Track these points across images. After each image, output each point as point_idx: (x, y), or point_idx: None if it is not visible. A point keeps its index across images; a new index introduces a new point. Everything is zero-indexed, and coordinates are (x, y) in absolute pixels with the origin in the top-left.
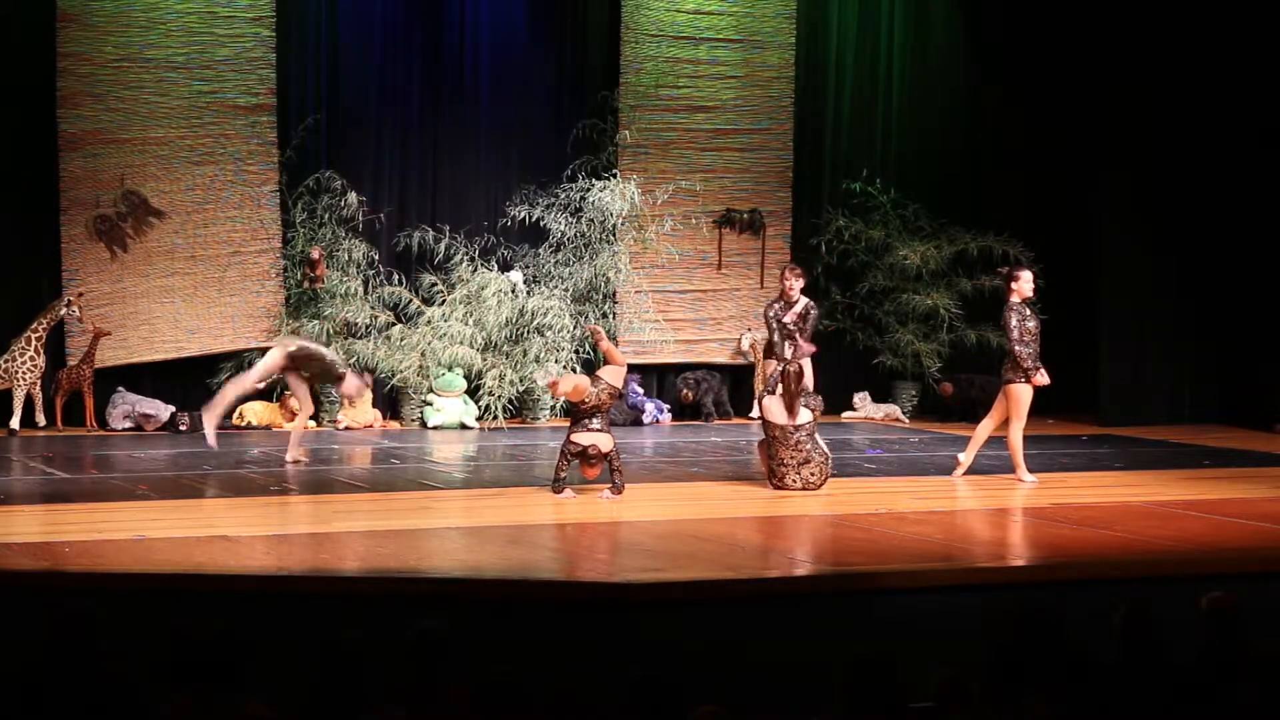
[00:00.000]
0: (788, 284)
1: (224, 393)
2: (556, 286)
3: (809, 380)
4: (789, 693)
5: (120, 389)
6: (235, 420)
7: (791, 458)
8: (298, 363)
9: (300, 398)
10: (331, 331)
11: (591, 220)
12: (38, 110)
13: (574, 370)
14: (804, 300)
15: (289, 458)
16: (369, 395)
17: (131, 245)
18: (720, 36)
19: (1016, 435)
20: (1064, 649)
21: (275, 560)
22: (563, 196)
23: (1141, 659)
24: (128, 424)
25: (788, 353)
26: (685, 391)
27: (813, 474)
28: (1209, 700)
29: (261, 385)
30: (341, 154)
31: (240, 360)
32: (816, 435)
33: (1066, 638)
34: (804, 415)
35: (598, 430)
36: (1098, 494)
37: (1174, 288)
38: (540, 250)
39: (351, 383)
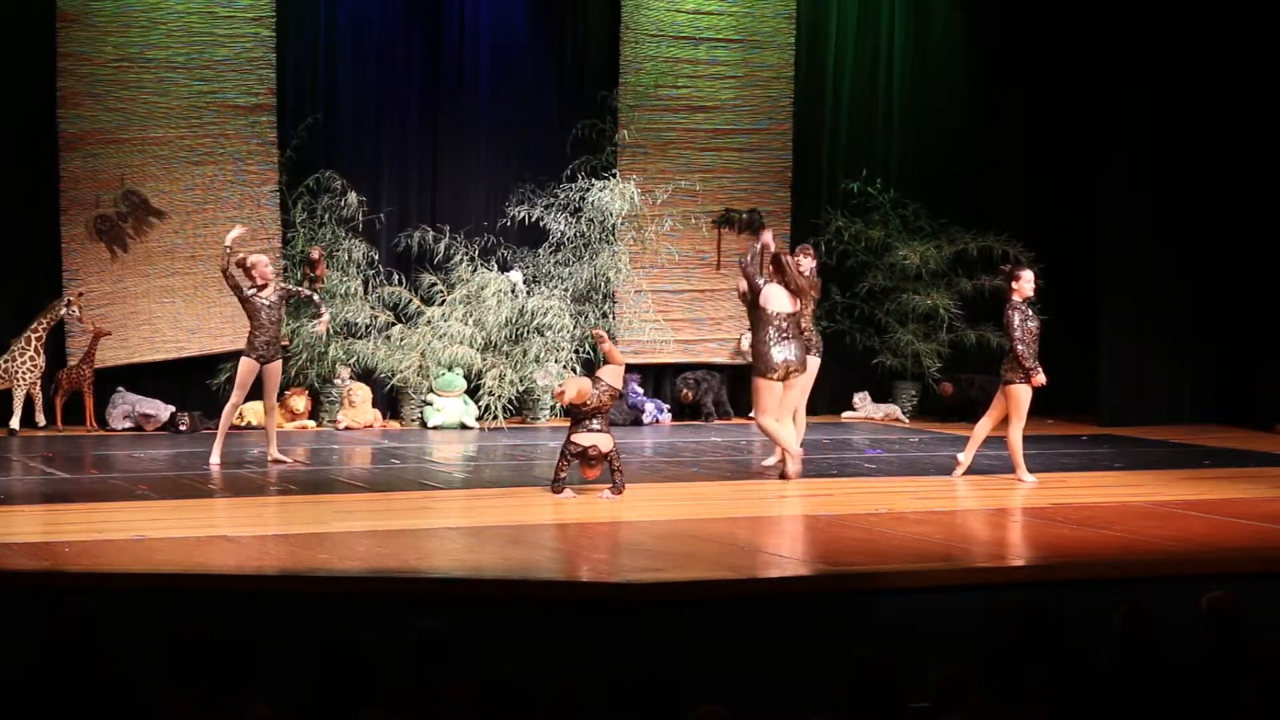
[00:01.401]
0: (798, 260)
1: (222, 425)
2: (556, 286)
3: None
4: (789, 693)
5: (120, 389)
6: (235, 420)
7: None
8: (261, 352)
9: (267, 391)
10: (331, 331)
11: (591, 220)
12: (38, 110)
13: (574, 370)
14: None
15: (271, 456)
16: (369, 395)
17: (131, 245)
18: (720, 36)
19: (1016, 435)
20: (1064, 649)
21: (275, 560)
22: (562, 196)
23: (1141, 659)
24: (128, 424)
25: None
26: (685, 391)
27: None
28: (1209, 700)
29: (240, 399)
30: (341, 154)
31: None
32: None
33: (1066, 638)
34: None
35: (598, 431)
36: (1098, 494)
37: (1174, 288)
38: (540, 250)
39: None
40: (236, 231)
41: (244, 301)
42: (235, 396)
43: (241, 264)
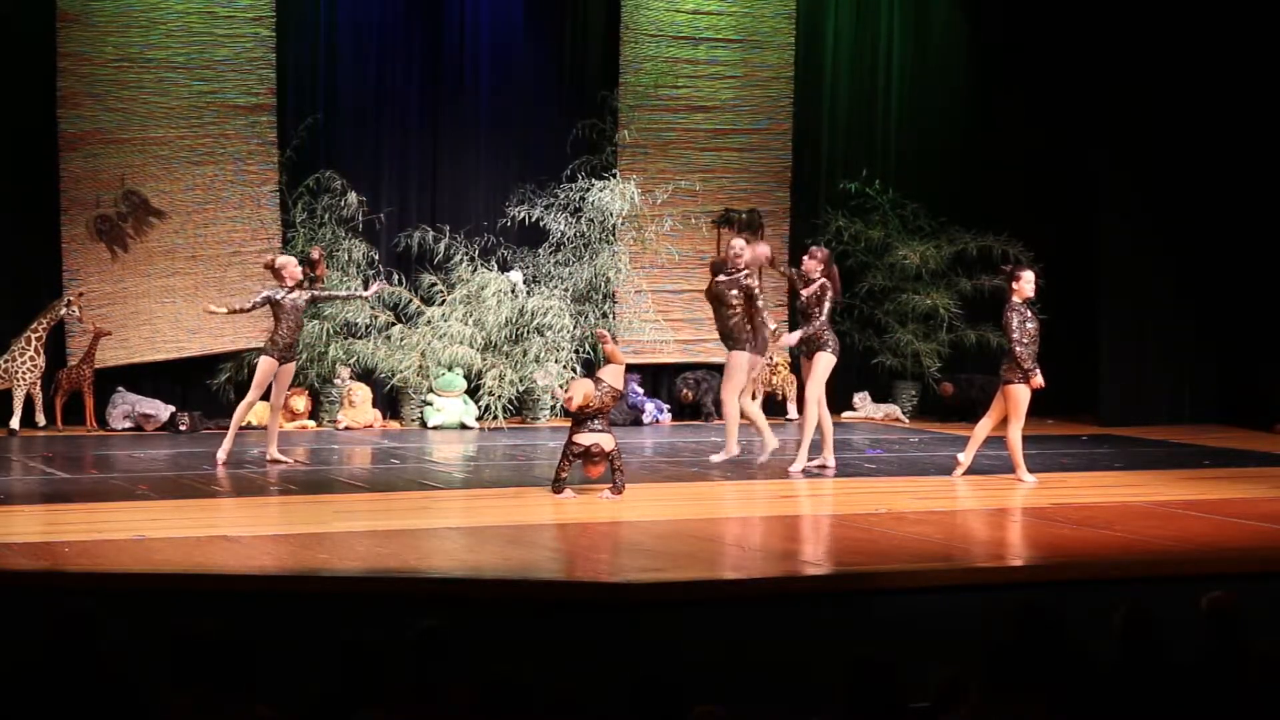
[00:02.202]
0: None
1: (234, 422)
2: (556, 286)
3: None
4: (789, 693)
5: (120, 389)
6: None
7: None
8: (282, 352)
9: (277, 389)
10: (331, 331)
11: (591, 220)
12: (38, 110)
13: (574, 370)
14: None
15: (270, 456)
16: (369, 395)
17: (132, 245)
18: (719, 36)
19: (1015, 435)
20: (1064, 649)
21: (275, 560)
22: (562, 196)
23: (1141, 659)
24: (128, 424)
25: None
26: (685, 391)
27: None
28: (1209, 700)
29: (255, 397)
30: (341, 154)
31: (240, 360)
32: None
33: (1066, 638)
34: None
35: (599, 431)
36: (1098, 494)
37: (1174, 288)
38: (540, 250)
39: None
40: (214, 308)
41: (275, 304)
42: (252, 395)
43: (270, 265)
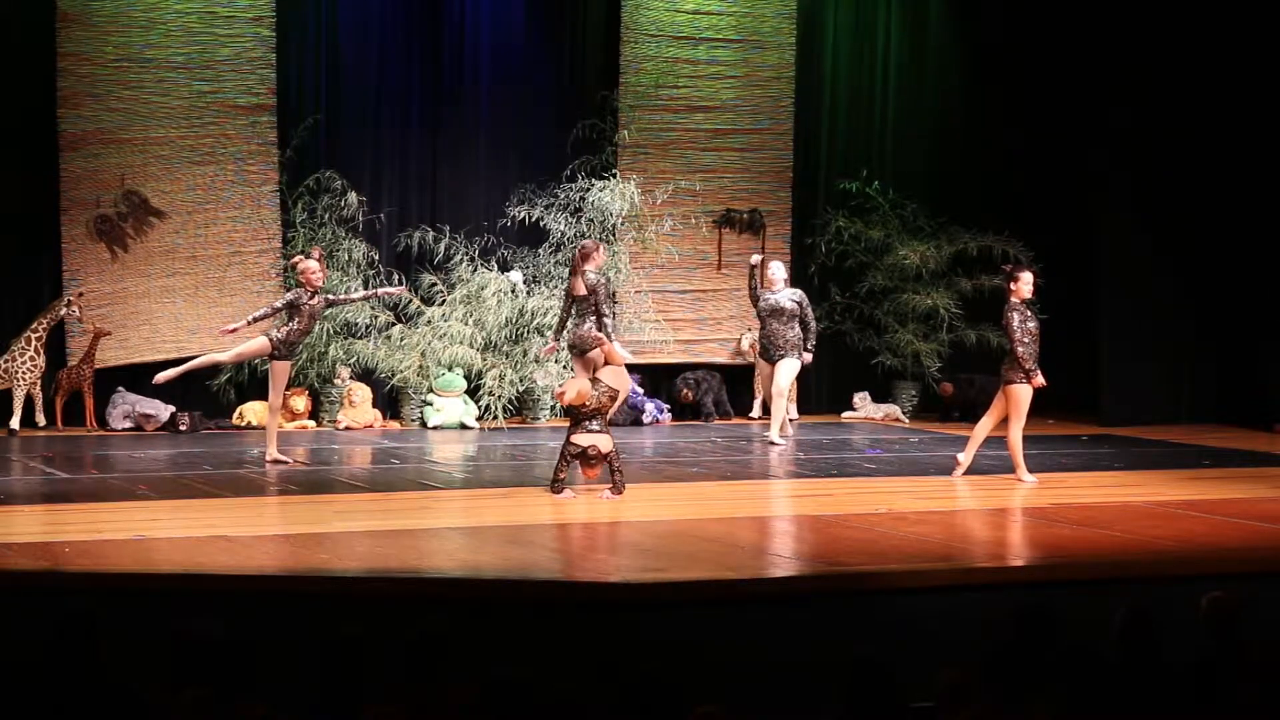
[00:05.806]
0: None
1: (197, 361)
2: (556, 286)
3: None
4: (789, 693)
5: (120, 389)
6: (235, 420)
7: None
8: (284, 348)
9: (274, 389)
10: (331, 331)
11: (591, 220)
12: (38, 110)
13: (573, 371)
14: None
15: (269, 456)
16: (369, 395)
17: (132, 245)
18: (720, 36)
19: (1016, 435)
20: (1064, 649)
21: (275, 560)
22: (562, 196)
23: (1141, 659)
24: (128, 424)
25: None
26: (685, 391)
27: None
28: (1209, 700)
29: (228, 360)
30: (341, 154)
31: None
32: None
33: (1066, 638)
34: None
35: (597, 431)
36: (1098, 494)
37: (1174, 288)
38: (540, 250)
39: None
40: (233, 326)
41: (295, 308)
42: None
43: (294, 266)
